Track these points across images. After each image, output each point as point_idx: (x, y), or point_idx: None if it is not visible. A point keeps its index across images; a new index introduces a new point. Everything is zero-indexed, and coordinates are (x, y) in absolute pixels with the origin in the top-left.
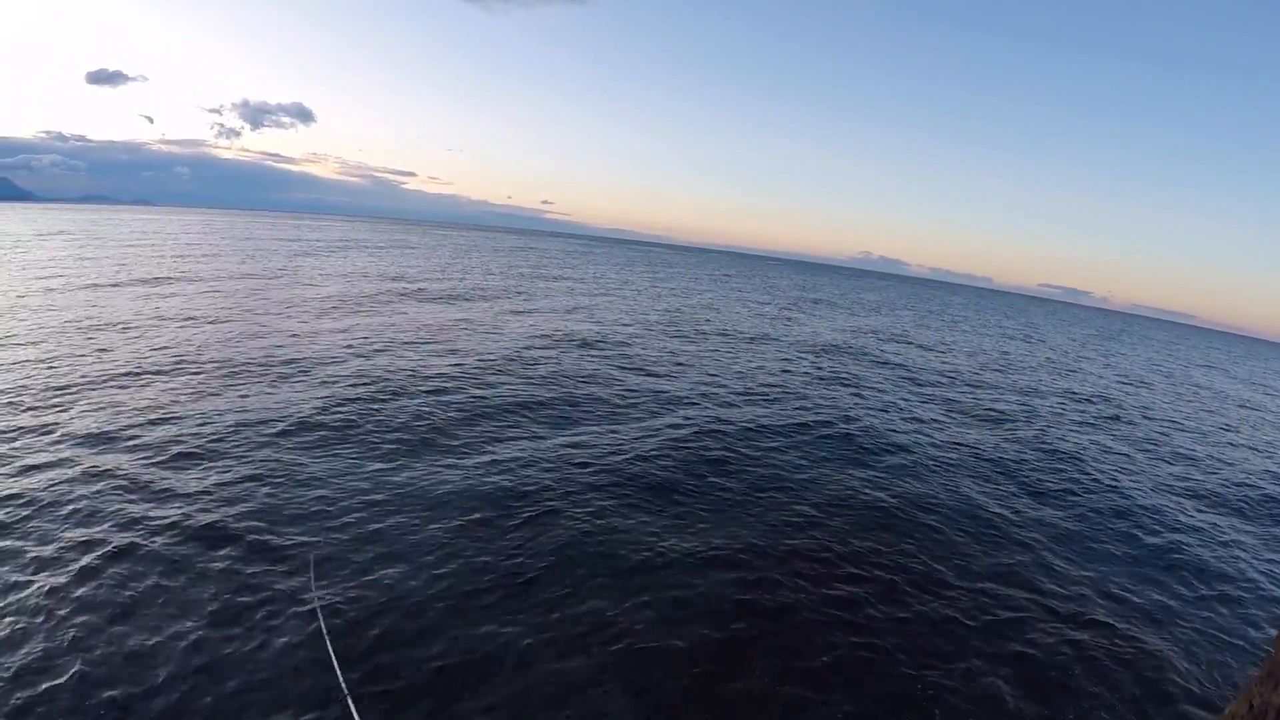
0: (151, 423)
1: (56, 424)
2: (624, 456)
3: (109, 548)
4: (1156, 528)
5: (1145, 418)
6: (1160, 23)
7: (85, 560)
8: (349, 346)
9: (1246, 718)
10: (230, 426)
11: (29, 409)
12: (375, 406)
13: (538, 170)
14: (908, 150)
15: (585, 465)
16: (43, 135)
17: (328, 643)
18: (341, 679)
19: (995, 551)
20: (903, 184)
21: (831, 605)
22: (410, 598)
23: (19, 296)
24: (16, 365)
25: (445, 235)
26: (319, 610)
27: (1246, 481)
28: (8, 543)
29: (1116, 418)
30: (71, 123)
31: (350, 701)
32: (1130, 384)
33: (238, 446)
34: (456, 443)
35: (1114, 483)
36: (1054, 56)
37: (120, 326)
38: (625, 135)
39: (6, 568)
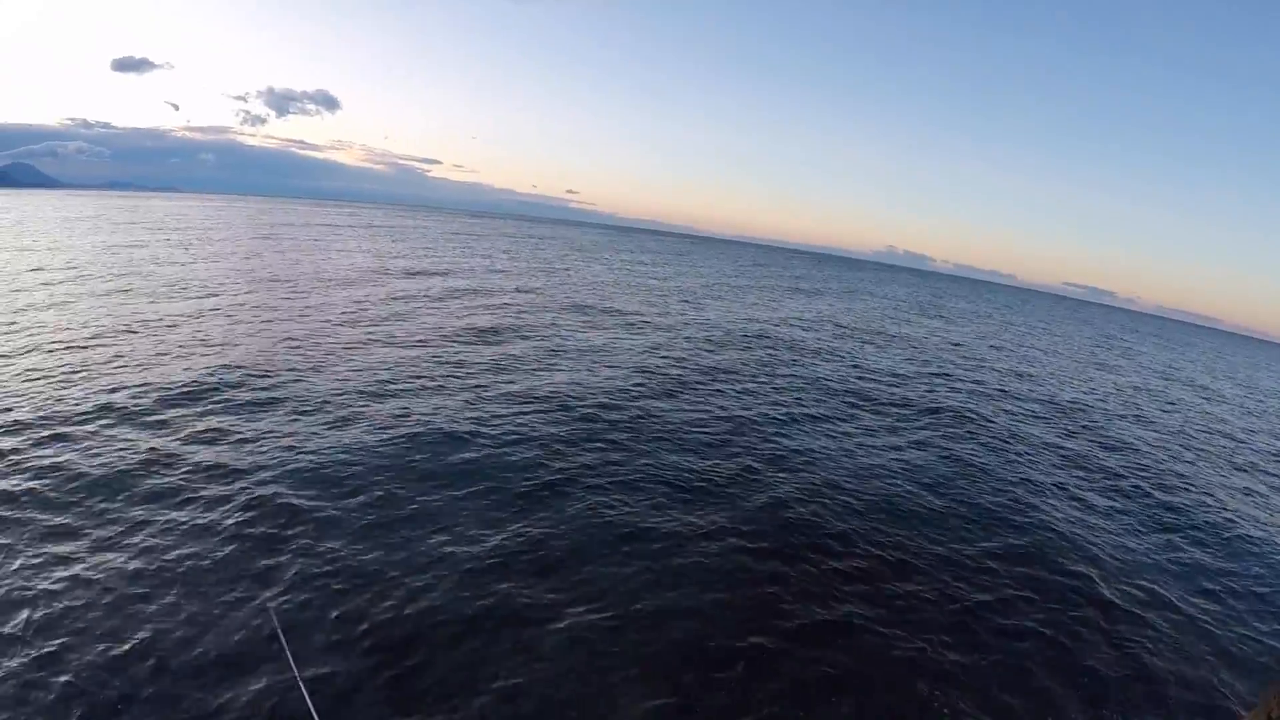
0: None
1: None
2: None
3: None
4: (1182, 528)
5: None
6: (1201, 24)
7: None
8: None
9: None
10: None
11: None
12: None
13: (563, 159)
14: (934, 145)
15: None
16: (68, 122)
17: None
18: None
19: (1014, 535)
20: (928, 179)
21: (851, 591)
22: (414, 576)
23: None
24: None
25: (468, 223)
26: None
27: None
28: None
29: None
30: (97, 110)
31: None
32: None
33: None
34: (464, 414)
35: (1141, 481)
36: (1084, 55)
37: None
38: (652, 126)
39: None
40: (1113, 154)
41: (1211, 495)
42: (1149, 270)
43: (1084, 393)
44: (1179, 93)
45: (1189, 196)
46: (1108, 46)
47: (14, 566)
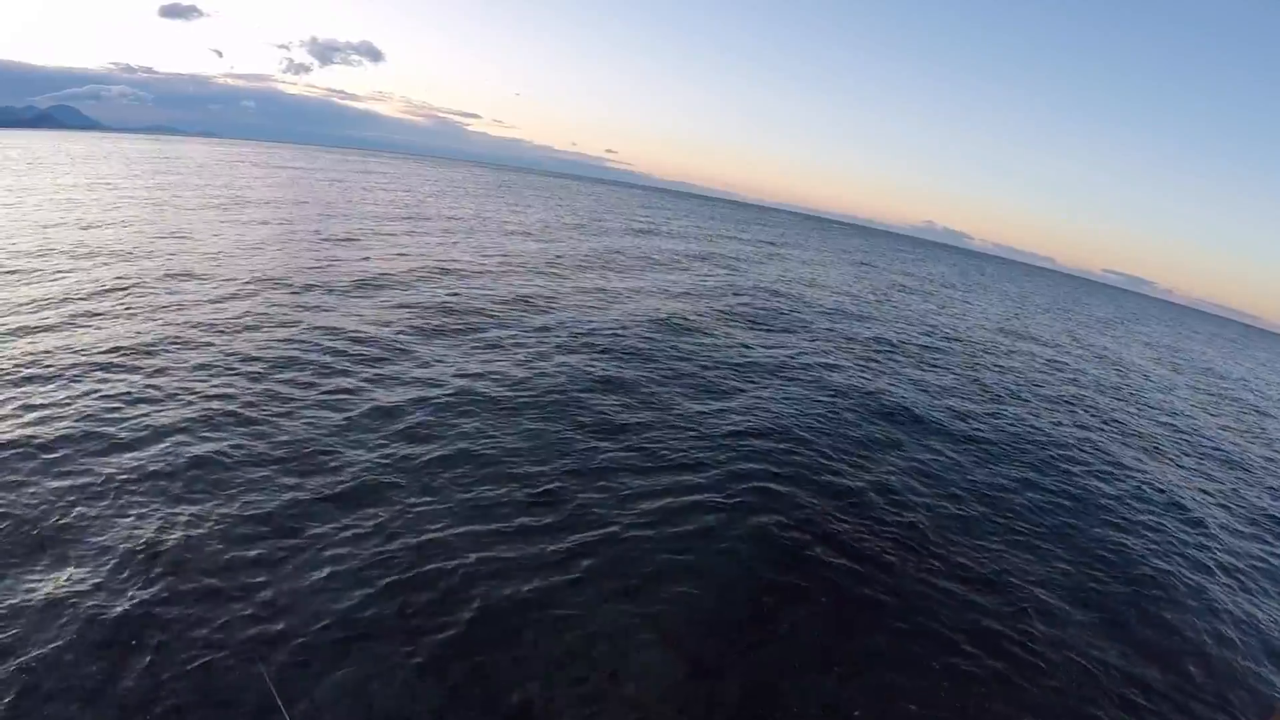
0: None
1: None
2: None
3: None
4: (1200, 532)
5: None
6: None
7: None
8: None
9: None
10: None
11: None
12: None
13: (603, 118)
14: (976, 119)
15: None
16: (111, 66)
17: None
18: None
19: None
20: (970, 153)
21: (880, 565)
22: (429, 539)
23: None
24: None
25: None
26: None
27: None
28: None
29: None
30: (140, 54)
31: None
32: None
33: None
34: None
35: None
36: (1129, 29)
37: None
38: (692, 88)
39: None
40: (1155, 136)
41: None
42: (1189, 260)
43: None
44: (1246, 71)
45: (1233, 184)
46: (1168, 18)
47: None
